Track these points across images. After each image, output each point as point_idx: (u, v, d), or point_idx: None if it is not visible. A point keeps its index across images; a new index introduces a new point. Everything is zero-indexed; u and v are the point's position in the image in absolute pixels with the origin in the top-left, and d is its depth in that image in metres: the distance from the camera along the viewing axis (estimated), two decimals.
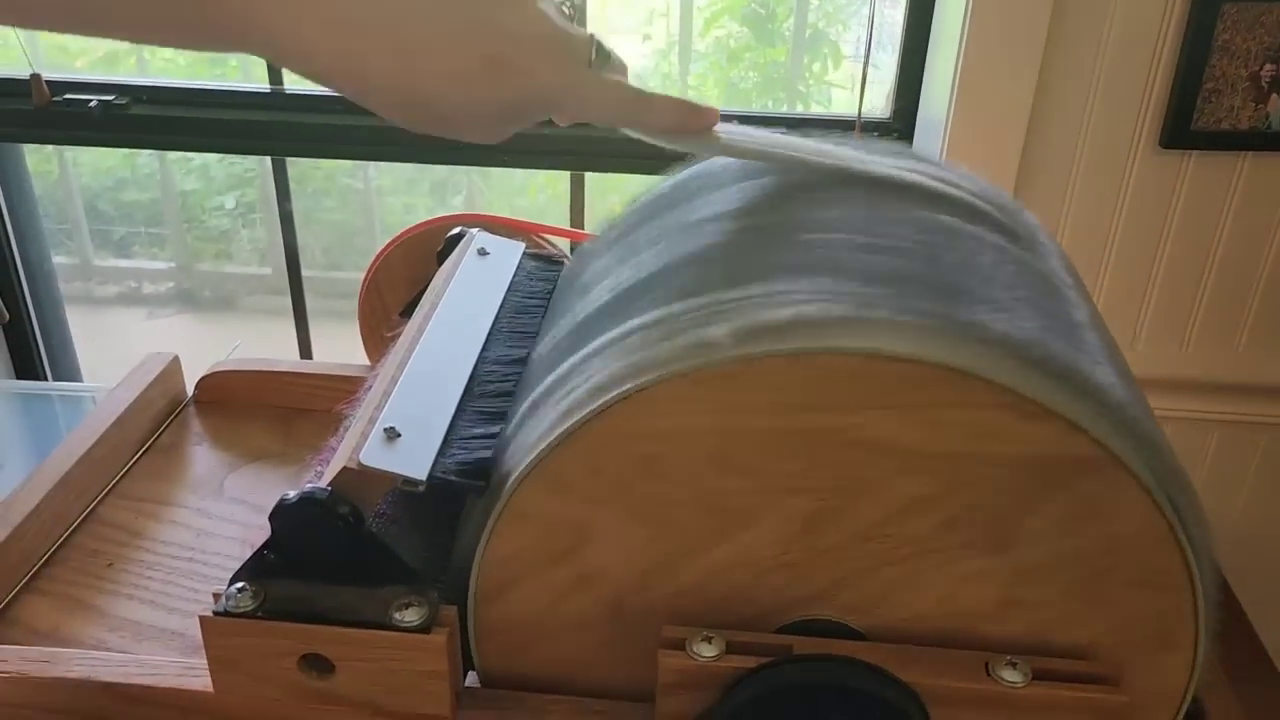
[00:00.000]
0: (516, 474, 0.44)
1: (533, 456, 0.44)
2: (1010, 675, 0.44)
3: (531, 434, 0.46)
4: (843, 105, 1.94)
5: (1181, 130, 0.99)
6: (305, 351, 1.37)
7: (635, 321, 0.46)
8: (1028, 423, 0.41)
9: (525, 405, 0.49)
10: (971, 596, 0.45)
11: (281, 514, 0.45)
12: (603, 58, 0.44)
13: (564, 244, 0.73)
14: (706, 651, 0.44)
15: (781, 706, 0.43)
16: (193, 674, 0.49)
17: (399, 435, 0.48)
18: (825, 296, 0.43)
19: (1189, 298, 1.06)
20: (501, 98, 0.41)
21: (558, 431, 0.43)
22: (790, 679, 0.43)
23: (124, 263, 2.35)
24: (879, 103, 1.20)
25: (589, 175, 1.20)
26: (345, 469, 0.46)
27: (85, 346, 1.45)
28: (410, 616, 0.46)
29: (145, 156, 2.26)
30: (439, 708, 0.47)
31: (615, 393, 0.42)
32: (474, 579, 0.47)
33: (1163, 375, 1.08)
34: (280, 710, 0.48)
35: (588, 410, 0.43)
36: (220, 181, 2.31)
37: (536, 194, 2.24)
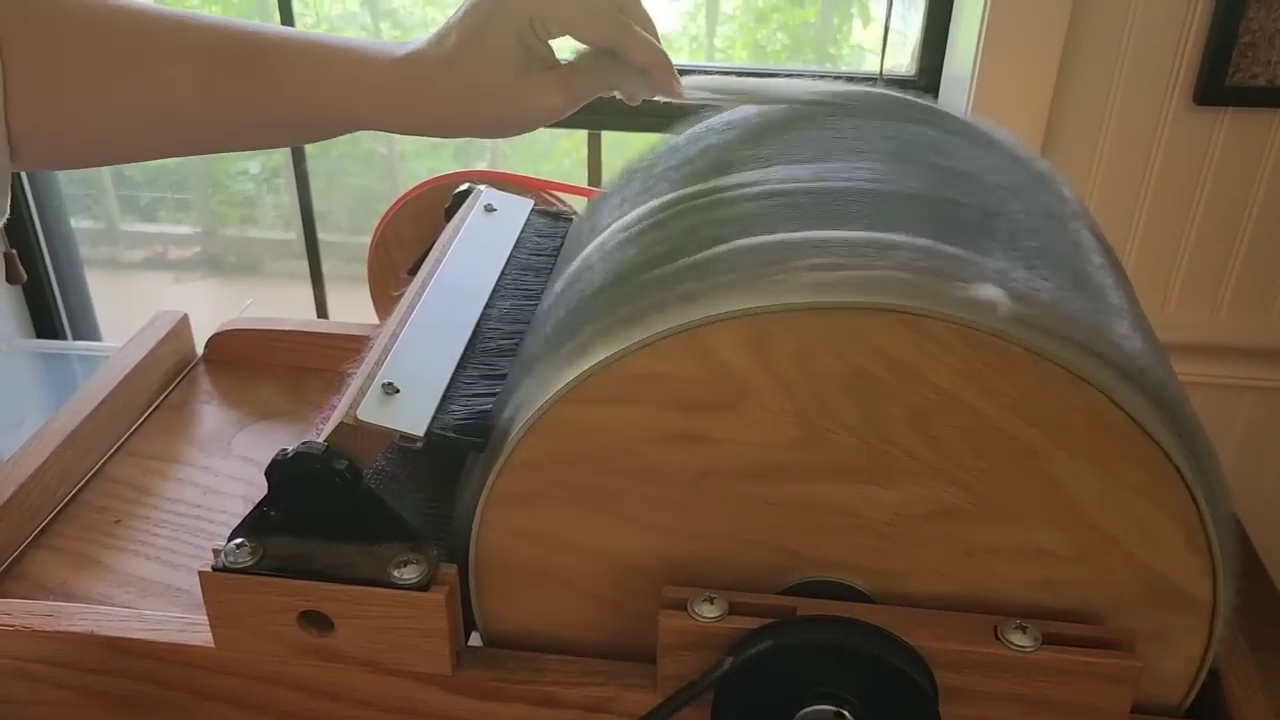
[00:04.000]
0: (518, 428, 0.44)
1: (535, 409, 0.43)
2: (1020, 639, 0.42)
3: (534, 387, 0.45)
4: (873, 67, 1.89)
5: (1216, 86, 0.96)
6: (322, 311, 1.37)
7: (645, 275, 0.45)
8: (1042, 384, 0.40)
9: (528, 359, 0.48)
10: (983, 558, 0.44)
11: (278, 469, 0.45)
12: None
13: (579, 204, 0.72)
14: (708, 612, 0.44)
15: (785, 669, 0.43)
16: (194, 630, 0.49)
17: (397, 391, 0.47)
18: (865, 253, 0.42)
19: (1222, 261, 1.03)
20: (503, 20, 0.46)
21: (563, 382, 0.42)
22: (792, 640, 0.42)
23: (150, 227, 2.35)
24: (905, 61, 1.17)
25: (606, 135, 1.19)
26: (342, 424, 0.45)
27: (112, 310, 1.45)
28: (409, 574, 0.45)
29: None
30: (439, 666, 0.46)
31: (623, 346, 0.41)
32: (474, 535, 0.46)
33: (1194, 340, 1.05)
34: (281, 666, 0.48)
35: (593, 362, 0.42)
36: None
37: (561, 158, 2.22)
